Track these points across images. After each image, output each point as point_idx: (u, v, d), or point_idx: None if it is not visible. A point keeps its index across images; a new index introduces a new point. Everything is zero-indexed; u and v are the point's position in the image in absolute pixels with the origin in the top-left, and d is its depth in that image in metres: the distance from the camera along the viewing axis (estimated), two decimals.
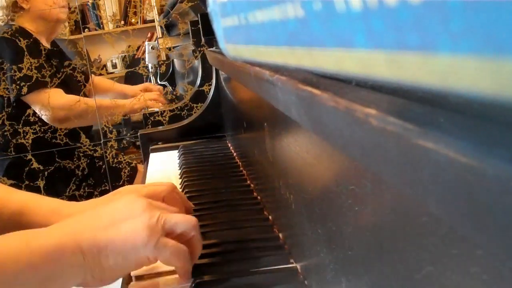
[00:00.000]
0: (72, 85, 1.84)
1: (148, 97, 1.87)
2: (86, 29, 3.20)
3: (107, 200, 0.75)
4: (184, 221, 0.58)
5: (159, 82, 2.26)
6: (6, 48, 1.69)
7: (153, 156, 1.26)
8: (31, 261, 0.50)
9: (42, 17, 1.75)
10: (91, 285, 0.54)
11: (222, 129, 1.32)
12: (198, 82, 1.45)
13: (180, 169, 1.08)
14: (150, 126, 1.51)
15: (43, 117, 1.75)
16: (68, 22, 2.97)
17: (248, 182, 0.91)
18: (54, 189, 1.80)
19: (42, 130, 1.78)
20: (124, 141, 2.00)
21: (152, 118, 1.52)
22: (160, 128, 1.39)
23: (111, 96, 1.96)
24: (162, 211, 0.58)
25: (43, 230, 0.54)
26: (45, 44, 1.78)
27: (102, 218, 0.56)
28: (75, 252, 0.52)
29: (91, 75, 1.92)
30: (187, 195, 0.83)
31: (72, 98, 1.78)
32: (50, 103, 1.72)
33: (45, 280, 0.50)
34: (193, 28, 1.32)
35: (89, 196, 1.82)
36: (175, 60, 2.28)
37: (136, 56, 3.10)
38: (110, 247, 0.53)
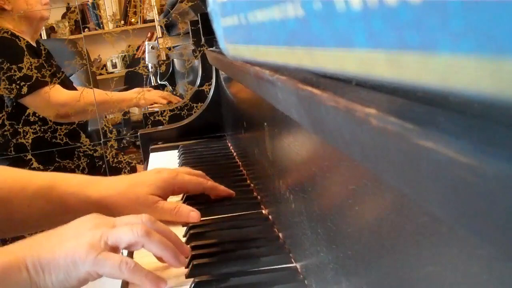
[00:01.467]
0: (69, 86, 1.84)
1: (155, 94, 1.87)
2: (86, 29, 3.20)
3: (144, 177, 0.78)
4: (129, 234, 0.57)
5: (159, 82, 2.26)
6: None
7: (153, 156, 1.26)
8: None
9: (25, 16, 1.75)
10: None
11: (222, 128, 1.32)
12: (198, 82, 1.45)
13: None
14: (150, 126, 1.51)
15: (45, 115, 1.75)
16: (68, 22, 2.97)
17: (248, 181, 0.91)
18: None
19: (42, 130, 1.78)
20: (124, 141, 2.00)
21: (152, 118, 1.52)
22: (160, 128, 1.39)
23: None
24: (107, 228, 0.58)
25: None
26: (32, 43, 1.78)
27: (51, 237, 0.58)
28: (21, 269, 0.54)
29: (93, 89, 1.91)
30: (186, 198, 0.83)
31: (74, 93, 1.79)
32: (52, 99, 1.71)
33: None
34: (193, 27, 1.32)
35: None
36: (175, 59, 2.28)
37: (136, 56, 3.11)
38: (52, 264, 0.55)
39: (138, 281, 0.56)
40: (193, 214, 0.74)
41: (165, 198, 0.77)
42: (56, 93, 1.73)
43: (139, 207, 0.73)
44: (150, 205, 0.74)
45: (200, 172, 0.84)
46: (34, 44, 1.79)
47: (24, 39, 1.71)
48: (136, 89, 1.92)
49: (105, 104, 1.81)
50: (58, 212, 0.73)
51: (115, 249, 0.57)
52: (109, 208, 0.73)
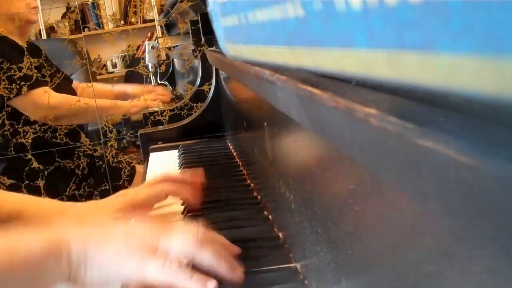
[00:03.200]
0: (65, 90, 1.84)
1: (148, 98, 1.86)
2: (86, 29, 3.20)
3: (107, 201, 0.76)
4: (180, 243, 0.55)
5: (159, 82, 2.26)
6: None
7: (153, 156, 1.26)
8: (12, 262, 0.50)
9: (12, 18, 1.74)
10: (72, 286, 0.54)
11: (222, 128, 1.32)
12: (198, 81, 1.45)
13: (180, 168, 1.08)
14: (150, 126, 1.51)
15: (33, 117, 1.74)
16: (68, 22, 2.97)
17: (248, 181, 0.91)
18: (54, 189, 1.80)
19: (42, 129, 1.78)
20: (124, 141, 1.99)
21: (152, 118, 1.52)
22: (160, 127, 1.39)
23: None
24: (160, 233, 0.56)
25: (37, 231, 0.55)
26: (21, 43, 1.78)
27: (103, 230, 0.57)
28: (62, 257, 0.52)
29: (92, 83, 1.91)
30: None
31: (69, 97, 1.78)
32: (43, 101, 1.70)
33: (26, 279, 0.51)
34: (193, 27, 1.32)
35: (89, 195, 1.82)
36: (175, 59, 2.28)
37: (136, 56, 3.11)
38: (96, 260, 0.53)
39: (183, 284, 0.53)
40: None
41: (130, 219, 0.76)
42: (45, 96, 1.72)
43: None
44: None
45: (164, 176, 0.81)
46: (25, 45, 1.79)
47: (14, 40, 1.71)
48: (139, 86, 1.92)
49: (103, 109, 1.80)
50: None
51: (164, 256, 0.54)
52: None
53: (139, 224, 0.58)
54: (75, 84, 1.97)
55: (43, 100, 1.70)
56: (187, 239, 0.55)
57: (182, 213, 0.79)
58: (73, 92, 1.89)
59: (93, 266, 0.53)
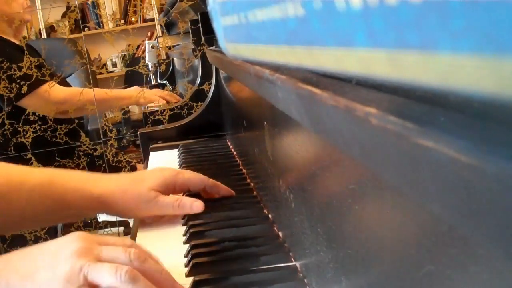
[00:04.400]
0: (65, 85, 1.85)
1: (154, 93, 1.87)
2: (86, 28, 3.20)
3: (147, 174, 0.78)
4: (112, 275, 0.49)
5: (159, 81, 2.26)
6: None
7: (153, 155, 1.26)
8: None
9: (5, 18, 1.74)
10: None
11: (222, 128, 1.32)
12: (198, 81, 1.45)
13: (180, 168, 1.08)
14: (150, 125, 1.51)
15: (45, 113, 1.75)
16: (68, 21, 2.97)
17: (248, 180, 0.91)
18: None
19: (42, 129, 1.78)
20: (124, 140, 1.99)
21: (152, 117, 1.52)
22: (160, 127, 1.39)
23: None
24: (89, 261, 0.50)
25: None
26: (17, 42, 1.78)
27: (26, 260, 0.53)
28: None
29: (93, 90, 1.91)
30: (187, 194, 0.83)
31: (74, 89, 1.79)
32: (50, 97, 1.71)
33: None
34: (193, 27, 1.32)
35: None
36: (175, 59, 2.28)
37: (136, 55, 3.11)
38: None
39: None
40: (196, 204, 0.74)
41: (167, 194, 0.77)
42: (54, 90, 1.73)
43: (140, 203, 0.73)
44: (151, 200, 0.73)
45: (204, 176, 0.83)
46: (18, 42, 1.79)
47: (8, 39, 1.71)
48: (135, 87, 1.92)
49: (104, 101, 1.81)
50: (57, 208, 0.72)
51: (94, 287, 0.50)
52: (109, 204, 0.72)
53: (66, 244, 0.53)
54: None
55: (52, 95, 1.71)
56: (118, 274, 0.50)
57: (183, 218, 0.79)
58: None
59: None
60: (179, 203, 0.74)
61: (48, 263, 0.51)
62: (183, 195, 0.83)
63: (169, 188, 0.77)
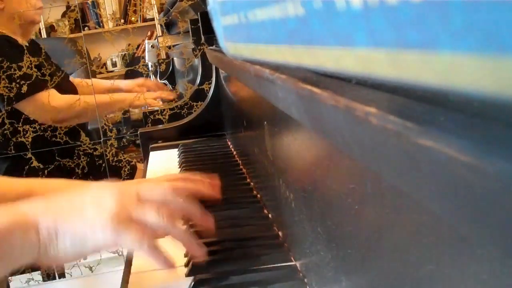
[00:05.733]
0: (65, 86, 1.84)
1: (150, 96, 1.87)
2: (86, 28, 3.20)
3: (123, 184, 0.77)
4: (154, 217, 0.55)
5: (159, 81, 2.26)
6: None
7: (153, 155, 1.26)
8: None
9: (17, 18, 1.74)
10: (44, 263, 0.54)
11: (222, 127, 1.32)
12: (198, 80, 1.45)
13: (180, 167, 1.08)
14: (150, 125, 1.50)
15: (41, 121, 1.75)
16: (68, 21, 2.97)
17: (248, 180, 0.91)
18: None
19: (42, 128, 1.78)
20: (124, 140, 1.99)
21: (152, 117, 1.52)
22: (160, 126, 1.39)
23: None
24: (132, 201, 0.56)
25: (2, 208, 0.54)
26: (23, 42, 1.78)
27: (71, 201, 0.56)
28: (30, 231, 0.52)
29: (91, 78, 1.91)
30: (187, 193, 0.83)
31: (71, 97, 1.78)
32: (47, 105, 1.71)
33: None
34: (193, 26, 1.31)
35: None
36: (175, 58, 2.28)
37: (136, 55, 3.10)
38: (69, 230, 0.53)
39: (155, 259, 0.54)
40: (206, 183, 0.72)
41: None
42: (51, 98, 1.73)
43: None
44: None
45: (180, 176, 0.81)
46: (27, 44, 1.79)
47: (15, 39, 1.71)
48: (138, 80, 1.92)
49: (103, 106, 1.80)
50: None
51: (138, 224, 0.55)
52: None
53: (111, 191, 0.57)
54: (71, 79, 1.97)
55: (49, 103, 1.71)
56: (160, 216, 0.55)
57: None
58: (74, 89, 1.90)
59: (65, 239, 0.53)
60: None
61: (92, 201, 0.55)
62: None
63: None
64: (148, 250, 0.54)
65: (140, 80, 1.97)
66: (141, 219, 0.55)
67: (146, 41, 2.25)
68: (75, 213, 0.54)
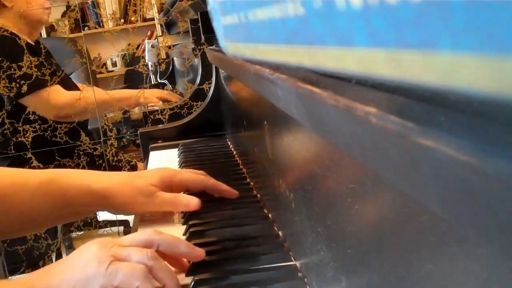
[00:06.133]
0: (69, 86, 1.84)
1: (150, 95, 1.87)
2: (86, 27, 3.20)
3: (145, 172, 0.79)
4: (138, 253, 0.56)
5: (159, 80, 2.26)
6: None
7: (153, 155, 1.26)
8: None
9: (25, 16, 1.75)
10: None
11: (222, 127, 1.32)
12: (198, 80, 1.45)
13: (180, 167, 1.08)
14: (150, 125, 1.50)
15: (46, 116, 1.76)
16: (68, 20, 2.97)
17: (248, 180, 0.91)
18: None
19: (42, 128, 1.78)
20: (124, 140, 1.99)
21: (152, 117, 1.52)
22: (160, 126, 1.39)
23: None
24: (117, 245, 0.57)
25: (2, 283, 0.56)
26: (30, 42, 1.78)
27: (58, 264, 0.58)
28: None
29: (93, 87, 1.91)
30: (187, 193, 0.83)
31: (73, 94, 1.79)
32: (52, 101, 1.72)
33: None
34: (193, 26, 1.31)
35: None
36: (175, 58, 2.28)
37: (136, 55, 3.11)
38: (63, 286, 0.54)
39: (151, 285, 0.55)
40: (193, 201, 0.74)
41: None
42: (55, 94, 1.73)
43: (138, 197, 0.73)
44: (149, 195, 0.74)
45: (202, 172, 0.84)
46: (33, 43, 1.79)
47: (22, 38, 1.71)
48: (135, 90, 1.92)
49: (105, 103, 1.81)
50: (59, 205, 0.73)
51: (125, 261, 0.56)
52: (109, 199, 0.73)
53: (89, 245, 0.58)
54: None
55: (54, 99, 1.71)
56: (145, 253, 0.56)
57: (183, 218, 0.79)
58: (77, 88, 1.90)
59: None
60: (174, 200, 0.74)
61: (79, 258, 0.56)
62: (184, 193, 0.83)
63: (167, 186, 0.77)
64: (142, 282, 0.54)
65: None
66: (126, 258, 0.56)
67: (146, 41, 2.25)
68: (65, 270, 0.56)
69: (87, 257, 0.56)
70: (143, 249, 0.57)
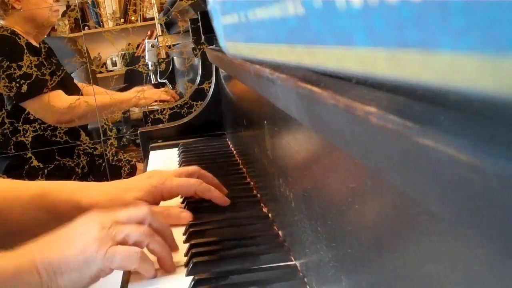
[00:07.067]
0: (69, 86, 1.84)
1: (151, 94, 1.87)
2: (86, 27, 3.20)
3: (135, 181, 0.79)
4: (136, 231, 0.59)
5: (159, 80, 2.26)
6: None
7: (153, 154, 1.26)
8: None
9: (32, 18, 1.75)
10: None
11: (222, 127, 1.32)
12: (198, 80, 1.45)
13: (180, 167, 1.08)
14: (150, 124, 1.50)
15: (46, 121, 1.76)
16: (68, 20, 2.97)
17: (248, 179, 0.91)
18: None
19: (42, 128, 1.78)
20: (124, 139, 2.00)
21: (152, 116, 1.52)
22: (160, 126, 1.39)
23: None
24: (116, 223, 0.60)
25: (1, 254, 0.57)
26: (34, 43, 1.78)
27: (59, 238, 0.59)
28: (32, 273, 0.55)
29: (92, 85, 1.91)
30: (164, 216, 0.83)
31: (73, 98, 1.79)
32: (53, 106, 1.72)
33: None
34: (193, 26, 1.31)
35: None
36: (175, 58, 2.28)
37: (136, 54, 3.10)
38: (63, 265, 0.56)
39: (147, 269, 0.59)
40: (184, 215, 0.74)
41: (155, 203, 0.77)
42: (57, 100, 1.73)
43: None
44: None
45: (195, 169, 0.82)
46: (36, 44, 1.79)
47: (24, 38, 1.71)
48: (135, 88, 1.92)
49: (106, 107, 1.81)
50: (50, 220, 0.74)
51: (123, 244, 0.59)
52: None
53: (90, 219, 0.61)
54: (75, 82, 1.98)
55: (55, 105, 1.71)
56: (141, 230, 0.60)
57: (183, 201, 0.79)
58: (77, 89, 1.90)
59: (63, 276, 0.56)
60: (167, 214, 0.74)
61: (79, 234, 0.59)
62: (181, 197, 0.83)
63: (156, 197, 0.77)
64: (139, 263, 0.57)
65: (138, 88, 1.98)
66: (123, 239, 0.59)
67: (146, 40, 2.25)
68: (65, 248, 0.57)
69: (87, 238, 0.57)
70: (140, 227, 0.60)
